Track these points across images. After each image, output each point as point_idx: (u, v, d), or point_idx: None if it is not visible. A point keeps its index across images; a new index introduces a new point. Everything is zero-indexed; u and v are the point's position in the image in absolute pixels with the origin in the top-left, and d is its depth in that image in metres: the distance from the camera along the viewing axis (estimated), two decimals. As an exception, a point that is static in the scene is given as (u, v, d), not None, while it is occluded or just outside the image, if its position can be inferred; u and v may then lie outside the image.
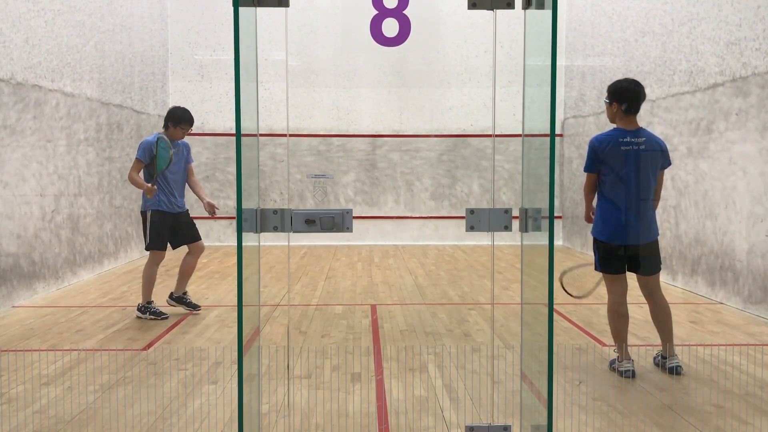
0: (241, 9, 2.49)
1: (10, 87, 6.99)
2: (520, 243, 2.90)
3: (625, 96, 4.72)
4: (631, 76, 9.57)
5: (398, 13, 2.80)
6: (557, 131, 12.53)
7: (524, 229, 2.74)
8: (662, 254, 8.58)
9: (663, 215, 8.61)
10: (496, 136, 12.28)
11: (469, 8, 2.73)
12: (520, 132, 2.96)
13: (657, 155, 4.70)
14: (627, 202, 4.71)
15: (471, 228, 2.77)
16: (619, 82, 4.84)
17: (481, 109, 12.61)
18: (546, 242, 2.68)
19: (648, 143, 4.70)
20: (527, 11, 2.72)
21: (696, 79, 7.82)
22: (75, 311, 6.81)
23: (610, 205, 4.75)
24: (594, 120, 10.99)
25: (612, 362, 4.86)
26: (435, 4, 12.40)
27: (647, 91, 9.03)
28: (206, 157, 12.58)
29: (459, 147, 12.80)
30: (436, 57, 12.51)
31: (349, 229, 2.71)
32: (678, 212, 8.22)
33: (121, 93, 10.09)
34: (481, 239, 12.12)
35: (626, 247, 4.75)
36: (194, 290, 7.96)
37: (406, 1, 2.81)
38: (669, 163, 4.77)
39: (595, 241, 4.86)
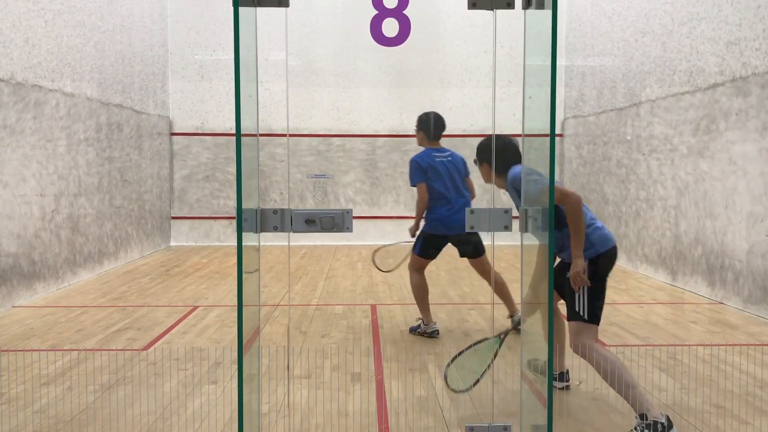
0: (241, 9, 2.49)
1: (10, 87, 6.99)
2: (520, 243, 2.90)
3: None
4: (631, 75, 9.59)
5: (398, 13, 2.80)
6: (557, 131, 12.53)
7: (524, 229, 2.74)
8: (662, 254, 8.64)
9: (663, 215, 8.61)
10: (497, 135, 12.25)
11: (469, 8, 2.73)
12: (520, 132, 2.96)
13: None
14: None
15: (471, 228, 2.77)
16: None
17: (481, 109, 12.60)
18: (546, 242, 2.68)
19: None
20: (527, 11, 2.72)
21: (696, 79, 7.82)
22: (75, 311, 6.81)
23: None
24: (594, 120, 10.99)
25: (415, 328, 5.88)
26: (435, 4, 12.40)
27: (647, 91, 9.12)
28: (206, 157, 12.58)
29: (459, 147, 12.75)
30: (436, 57, 12.50)
31: (349, 229, 2.71)
32: (678, 212, 8.21)
33: (121, 93, 10.09)
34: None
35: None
36: (194, 290, 7.96)
37: (406, 1, 2.81)
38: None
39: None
